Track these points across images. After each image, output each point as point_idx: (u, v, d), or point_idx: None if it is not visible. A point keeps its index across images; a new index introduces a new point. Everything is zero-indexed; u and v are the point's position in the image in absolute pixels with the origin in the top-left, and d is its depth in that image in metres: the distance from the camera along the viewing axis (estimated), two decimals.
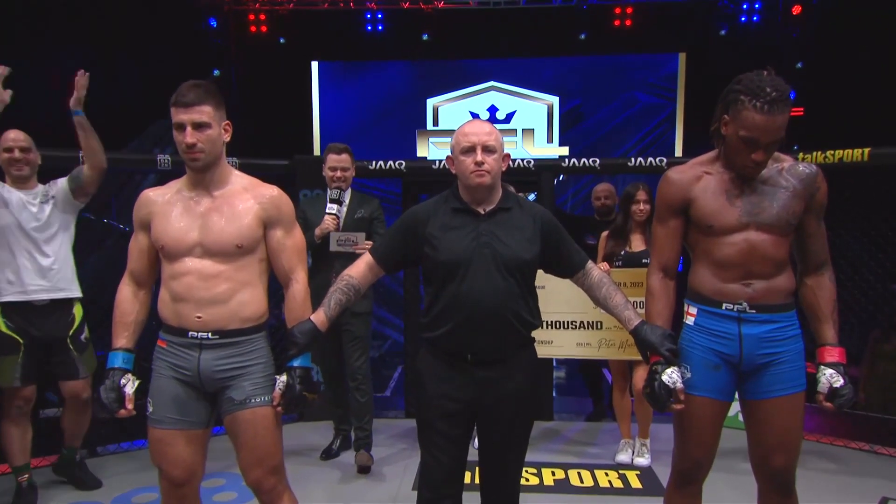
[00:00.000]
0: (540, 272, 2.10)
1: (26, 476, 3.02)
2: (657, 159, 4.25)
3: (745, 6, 7.88)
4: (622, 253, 3.61)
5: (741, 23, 7.92)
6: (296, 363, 1.99)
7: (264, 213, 2.03)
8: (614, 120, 8.44)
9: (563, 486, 3.30)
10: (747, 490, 2.25)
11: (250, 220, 2.00)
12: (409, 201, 4.56)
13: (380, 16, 8.14)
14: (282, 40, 8.14)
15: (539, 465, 3.53)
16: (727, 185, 1.97)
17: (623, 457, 3.62)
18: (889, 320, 4.40)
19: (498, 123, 8.02)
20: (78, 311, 3.10)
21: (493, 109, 8.35)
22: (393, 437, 4.04)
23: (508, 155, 2.09)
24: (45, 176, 3.09)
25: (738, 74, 1.89)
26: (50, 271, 2.97)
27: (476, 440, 2.13)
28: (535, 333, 2.09)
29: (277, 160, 4.43)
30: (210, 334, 1.97)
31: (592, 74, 8.39)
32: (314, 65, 8.47)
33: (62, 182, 3.04)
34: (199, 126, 1.92)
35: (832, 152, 3.83)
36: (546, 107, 8.31)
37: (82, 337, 3.10)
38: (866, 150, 3.71)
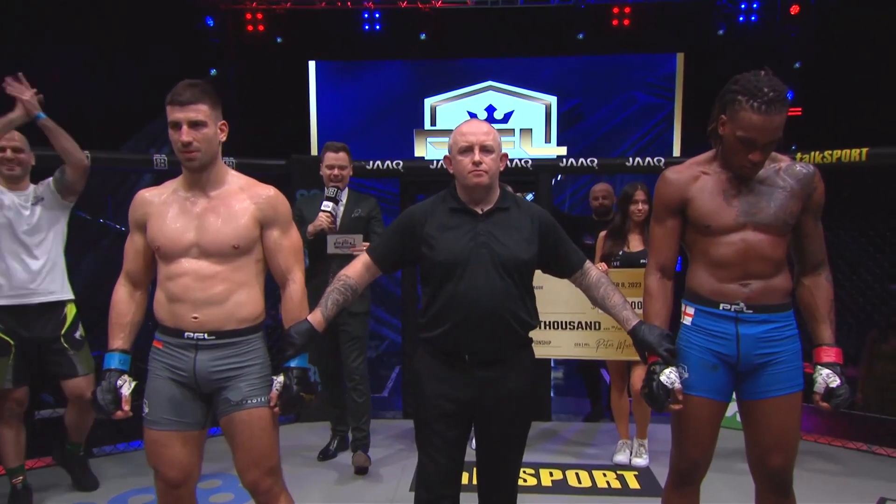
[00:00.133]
0: (538, 272, 2.10)
1: (20, 478, 3.01)
2: (655, 159, 4.25)
3: (743, 6, 7.88)
4: (620, 253, 3.61)
5: (739, 23, 7.92)
6: (293, 364, 1.98)
7: (261, 213, 2.02)
8: (613, 120, 8.43)
9: (560, 487, 3.30)
10: (745, 490, 2.24)
11: (247, 220, 1.99)
12: (407, 201, 4.56)
13: (377, 15, 8.13)
14: (279, 40, 8.12)
15: (537, 466, 3.52)
16: (724, 185, 1.97)
17: (621, 457, 3.61)
18: (887, 320, 4.41)
19: (496, 123, 8.02)
20: (70, 310, 3.07)
21: (490, 109, 8.34)
22: (390, 437, 4.03)
23: (506, 155, 2.09)
24: (44, 176, 3.06)
25: (737, 74, 1.89)
26: (39, 274, 2.95)
27: (474, 441, 2.13)
28: (533, 334, 2.09)
29: (275, 160, 4.42)
30: (206, 335, 1.97)
31: (591, 74, 8.39)
32: (311, 64, 8.45)
33: (48, 182, 3.02)
34: (195, 125, 1.91)
35: (830, 152, 3.83)
36: (544, 107, 8.31)
37: (76, 335, 3.07)
38: (864, 151, 3.71)
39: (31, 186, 3.01)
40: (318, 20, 8.03)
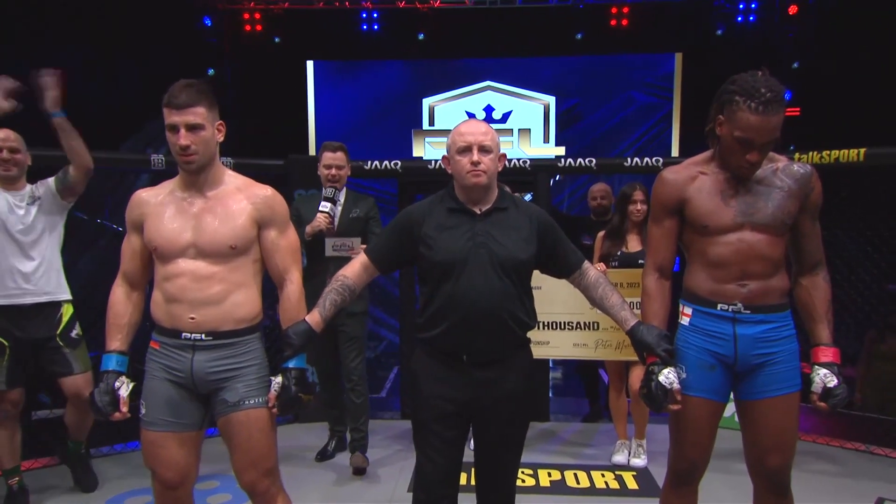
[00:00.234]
0: (536, 273, 2.09)
1: (16, 479, 3.00)
2: (653, 159, 4.25)
3: (741, 6, 7.89)
4: (618, 253, 3.61)
5: (738, 23, 7.92)
6: (291, 364, 1.98)
7: (258, 213, 2.02)
8: (611, 120, 8.43)
9: (559, 488, 3.30)
10: (743, 490, 2.24)
11: (244, 220, 1.99)
12: (405, 201, 4.55)
13: (375, 15, 8.12)
14: (277, 39, 8.11)
15: (535, 466, 3.52)
16: (722, 185, 1.97)
17: (619, 458, 3.61)
18: (885, 321, 4.41)
19: (494, 123, 8.01)
20: (66, 310, 3.05)
21: (489, 109, 8.34)
22: (388, 438, 4.03)
23: (504, 155, 2.09)
24: (42, 176, 3.05)
25: (735, 74, 1.89)
26: (34, 275, 2.93)
27: (472, 441, 2.12)
28: (532, 334, 2.08)
29: (272, 160, 4.42)
30: (203, 335, 1.96)
31: (589, 74, 8.38)
32: (309, 64, 8.44)
33: (49, 182, 3.00)
34: (192, 128, 1.90)
35: (828, 152, 3.83)
36: (542, 107, 8.31)
37: (73, 334, 3.05)
38: (862, 151, 3.71)
39: (29, 186, 3.00)
40: (316, 20, 8.02)
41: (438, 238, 1.98)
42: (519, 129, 8.22)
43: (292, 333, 1.96)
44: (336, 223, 3.37)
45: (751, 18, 7.89)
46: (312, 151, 7.91)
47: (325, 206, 3.31)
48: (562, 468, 3.53)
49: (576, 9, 8.01)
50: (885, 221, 3.98)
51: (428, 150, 8.18)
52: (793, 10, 7.61)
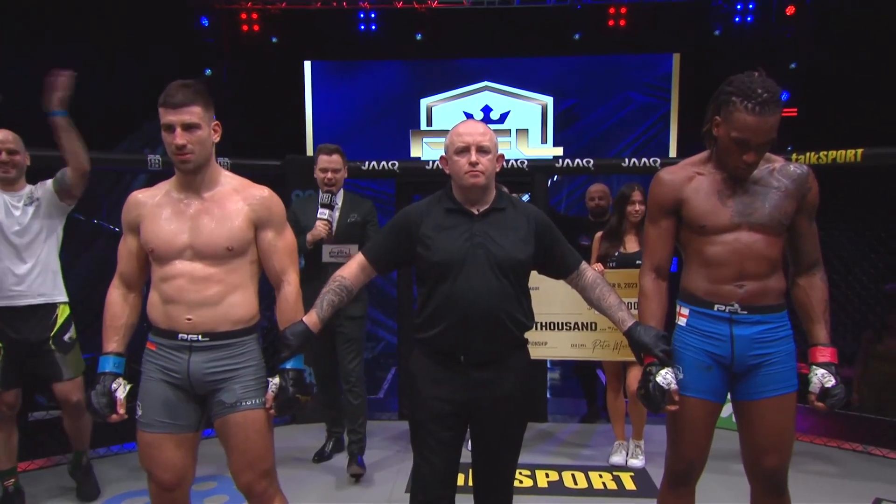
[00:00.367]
0: (534, 273, 2.09)
1: (12, 480, 2.99)
2: (651, 160, 4.25)
3: (739, 7, 7.89)
4: (616, 254, 3.60)
5: (735, 23, 7.93)
6: (288, 365, 1.97)
7: (254, 214, 2.01)
8: (609, 120, 8.43)
9: (556, 488, 3.29)
10: (741, 491, 2.24)
11: (241, 221, 1.98)
12: (403, 202, 4.55)
13: (373, 15, 8.11)
14: (274, 39, 8.10)
15: (533, 467, 3.52)
16: (719, 186, 1.97)
17: (617, 458, 3.61)
18: (882, 321, 4.41)
19: (492, 124, 8.00)
20: (62, 312, 3.03)
21: (487, 109, 8.33)
22: (386, 439, 4.03)
23: (502, 155, 2.09)
24: (43, 176, 3.04)
25: (733, 75, 1.89)
26: (27, 277, 2.91)
27: (469, 442, 2.12)
28: (530, 335, 2.08)
29: (270, 160, 4.41)
30: (200, 336, 1.96)
31: (587, 74, 8.38)
32: (307, 64, 8.43)
33: (48, 184, 2.98)
34: (188, 127, 1.90)
35: (825, 153, 3.84)
36: (540, 107, 8.30)
37: (66, 337, 3.02)
38: (859, 151, 3.71)
39: (28, 187, 2.98)
40: (313, 20, 8.01)
41: (436, 238, 1.98)
42: (517, 130, 8.22)
43: (290, 334, 1.95)
44: (334, 229, 3.36)
45: (748, 19, 7.90)
46: (310, 152, 7.90)
47: (323, 213, 3.29)
48: (560, 469, 3.52)
49: (574, 9, 8.01)
50: (882, 222, 3.99)
51: (426, 150, 8.17)
52: (790, 10, 7.62)
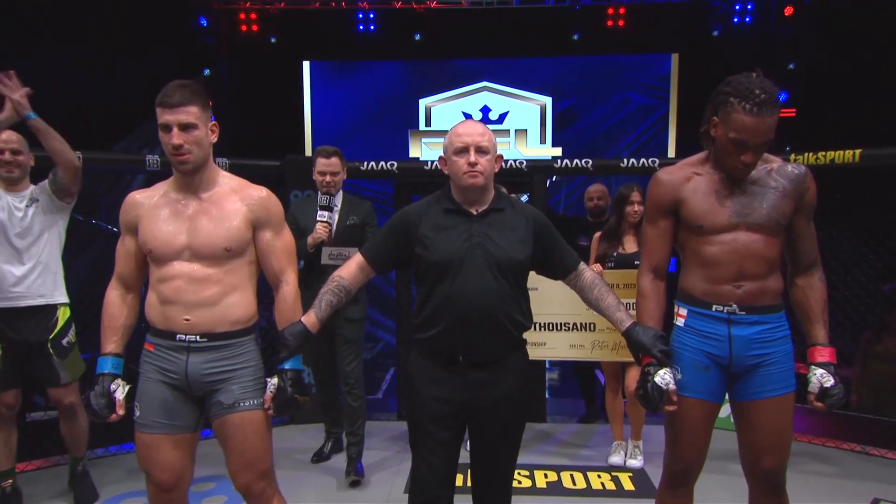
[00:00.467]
0: (533, 274, 2.09)
1: (10, 481, 2.98)
2: (650, 160, 4.26)
3: (737, 7, 7.90)
4: (615, 254, 3.60)
5: (734, 24, 7.93)
6: (287, 365, 1.97)
7: (252, 214, 2.01)
8: (608, 120, 8.43)
9: (555, 489, 3.29)
10: (739, 491, 2.24)
11: (239, 222, 1.98)
12: (401, 202, 4.55)
13: (371, 15, 8.11)
14: (273, 40, 8.10)
15: (531, 468, 3.52)
16: (717, 186, 1.97)
17: (616, 459, 3.61)
18: (880, 321, 4.41)
19: (491, 124, 7.99)
20: (63, 315, 3.02)
21: (485, 110, 8.33)
22: (384, 439, 4.03)
23: (501, 156, 2.09)
24: (44, 176, 3.03)
25: (731, 75, 1.89)
26: (27, 278, 2.90)
27: (468, 443, 2.12)
28: (528, 335, 2.08)
29: (269, 160, 4.41)
30: (198, 337, 1.95)
31: (586, 75, 8.38)
32: (306, 64, 8.43)
33: (44, 184, 2.98)
34: (185, 127, 1.90)
35: (824, 153, 3.84)
36: (539, 107, 8.30)
37: (64, 341, 3.01)
38: (857, 152, 3.72)
39: (31, 188, 2.98)
40: (312, 20, 8.01)
41: (435, 238, 1.98)
42: (515, 130, 8.22)
43: (288, 334, 1.95)
44: (333, 231, 3.35)
45: (747, 19, 7.91)
46: (309, 152, 7.89)
47: (322, 215, 3.28)
48: (558, 469, 3.52)
49: (572, 9, 8.01)
50: (880, 222, 3.99)
51: (424, 150, 8.17)
52: (789, 11, 7.63)
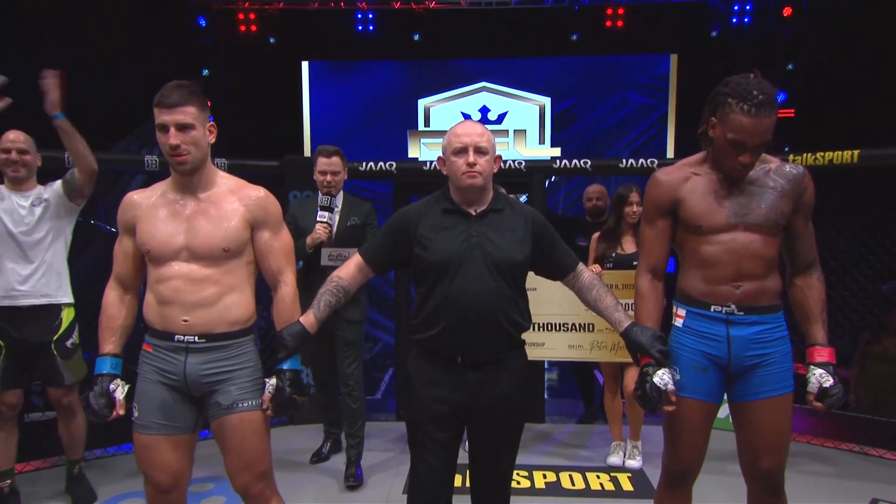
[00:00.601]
0: (531, 274, 2.09)
1: (8, 482, 2.98)
2: (649, 161, 4.26)
3: (736, 7, 7.91)
4: (613, 255, 3.60)
5: (733, 24, 7.95)
6: (285, 366, 1.97)
7: (251, 215, 2.00)
8: (607, 121, 8.44)
9: (554, 489, 3.29)
10: (737, 491, 2.24)
11: (237, 222, 1.98)
12: (400, 202, 4.54)
13: (370, 16, 8.12)
14: (272, 40, 8.10)
15: (530, 468, 3.52)
16: (715, 186, 1.98)
17: (614, 459, 3.61)
18: (879, 321, 4.42)
19: (489, 124, 8.00)
20: (67, 316, 3.01)
21: (484, 110, 8.33)
22: (383, 440, 4.02)
23: (500, 156, 2.09)
24: (49, 177, 3.03)
25: (730, 75, 1.89)
26: (31, 278, 2.91)
27: (466, 443, 2.12)
28: (527, 335, 2.08)
29: (268, 161, 4.40)
30: (196, 338, 1.95)
31: (585, 75, 8.39)
32: (304, 64, 8.43)
33: (57, 184, 2.99)
34: (182, 127, 1.89)
35: (822, 154, 3.84)
36: (538, 108, 8.31)
37: (68, 343, 3.00)
38: (856, 152, 3.72)
39: (37, 188, 2.98)
40: (311, 20, 8.01)
41: (434, 239, 1.98)
42: (514, 131, 8.22)
43: (287, 335, 1.95)
44: (334, 232, 3.33)
45: (746, 20, 7.92)
46: (308, 152, 7.90)
47: (322, 215, 3.27)
48: (557, 470, 3.52)
49: (571, 10, 8.02)
50: (879, 223, 4.00)
51: (423, 151, 8.17)
52: (787, 11, 7.65)
